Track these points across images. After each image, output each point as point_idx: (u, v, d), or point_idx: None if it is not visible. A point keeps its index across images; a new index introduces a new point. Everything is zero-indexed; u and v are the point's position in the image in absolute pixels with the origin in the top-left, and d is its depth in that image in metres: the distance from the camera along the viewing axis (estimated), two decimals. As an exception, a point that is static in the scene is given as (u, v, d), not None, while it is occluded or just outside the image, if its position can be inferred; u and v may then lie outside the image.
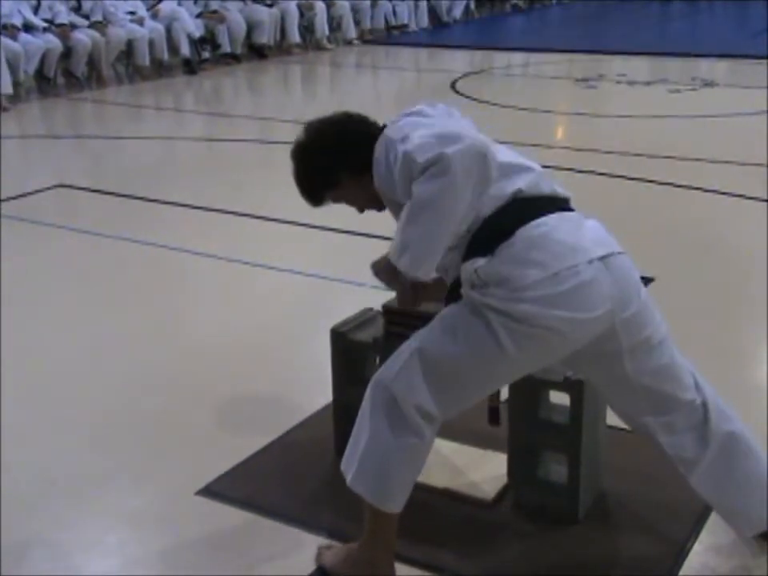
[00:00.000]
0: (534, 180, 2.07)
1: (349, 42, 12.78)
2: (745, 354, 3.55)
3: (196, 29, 10.69)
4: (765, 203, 5.17)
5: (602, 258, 2.01)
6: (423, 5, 14.37)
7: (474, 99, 8.69)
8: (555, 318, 1.96)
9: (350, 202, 2.29)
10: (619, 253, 2.08)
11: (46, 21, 9.44)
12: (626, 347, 2.08)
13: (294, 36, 11.98)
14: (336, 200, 2.29)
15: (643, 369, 2.12)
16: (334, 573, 2.24)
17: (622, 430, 2.65)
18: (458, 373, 2.06)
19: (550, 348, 2.04)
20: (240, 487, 2.64)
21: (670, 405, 2.16)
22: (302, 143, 2.27)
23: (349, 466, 2.15)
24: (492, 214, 2.01)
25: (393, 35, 13.65)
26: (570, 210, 2.12)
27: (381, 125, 2.24)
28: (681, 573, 2.27)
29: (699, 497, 2.27)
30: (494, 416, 2.42)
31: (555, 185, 2.14)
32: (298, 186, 2.29)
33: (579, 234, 2.03)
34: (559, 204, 2.10)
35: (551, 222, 2.02)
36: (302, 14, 12.12)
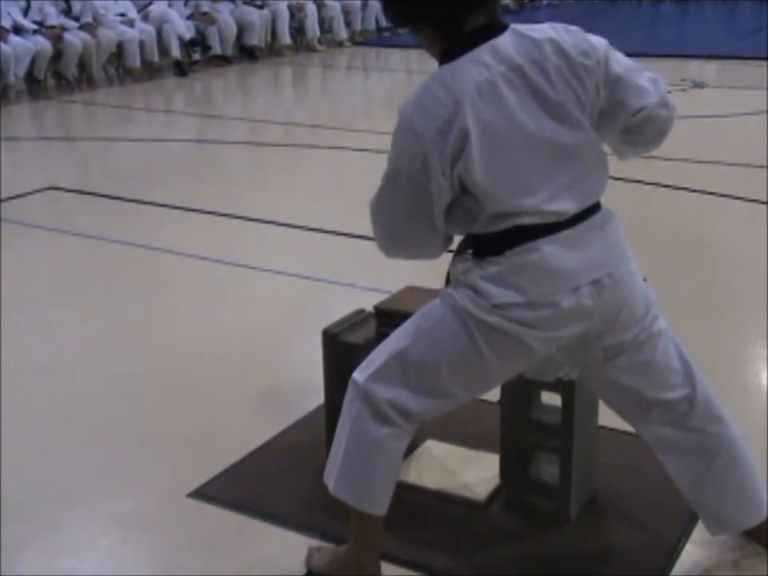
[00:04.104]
0: (550, 209, 1.93)
1: (339, 44, 12.79)
2: (738, 354, 3.56)
3: (186, 30, 10.69)
4: (753, 203, 5.19)
5: (593, 282, 1.95)
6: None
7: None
8: (526, 334, 1.96)
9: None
10: (616, 270, 1.99)
11: (35, 23, 9.43)
12: (599, 350, 2.07)
13: (285, 37, 11.98)
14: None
15: (617, 367, 2.09)
16: (322, 574, 2.24)
17: (614, 430, 2.66)
18: (436, 372, 2.04)
19: (525, 356, 2.04)
20: (232, 489, 2.64)
21: (646, 401, 2.14)
22: None
23: (330, 473, 2.16)
24: (489, 233, 1.96)
25: (384, 36, 13.65)
26: (589, 215, 1.98)
27: (499, 18, 1.95)
28: (673, 571, 2.27)
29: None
30: None
31: (592, 185, 1.99)
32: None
33: (573, 258, 1.94)
34: (569, 221, 1.96)
35: (544, 246, 1.93)
36: (292, 16, 12.12)
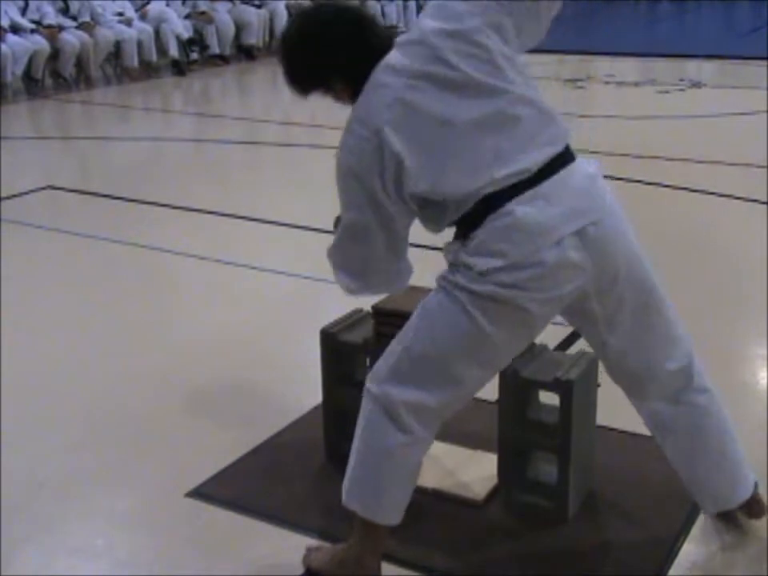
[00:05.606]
0: (507, 172, 1.94)
1: (337, 43, 12.78)
2: (738, 354, 3.56)
3: (184, 30, 10.67)
4: (753, 203, 5.19)
5: (577, 233, 1.95)
6: (412, 5, 14.37)
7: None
8: (520, 297, 1.95)
9: (341, 101, 2.13)
10: (600, 220, 1.98)
11: (33, 22, 9.40)
12: (601, 316, 2.08)
13: (283, 37, 11.96)
14: (326, 96, 2.15)
15: (620, 336, 2.12)
16: (321, 573, 2.24)
17: (612, 429, 2.66)
18: (442, 359, 2.04)
19: (525, 322, 2.02)
20: (230, 489, 2.64)
21: (647, 372, 2.17)
22: (292, 38, 2.09)
23: (346, 482, 2.16)
24: (466, 212, 1.98)
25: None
26: (559, 167, 1.97)
27: (388, 36, 2.05)
28: (671, 571, 2.27)
29: (681, 483, 2.33)
30: None
31: (548, 136, 1.98)
32: (286, 79, 2.12)
33: (550, 211, 1.93)
34: (543, 173, 1.95)
35: (517, 207, 1.93)
36: (290, 15, 12.11)
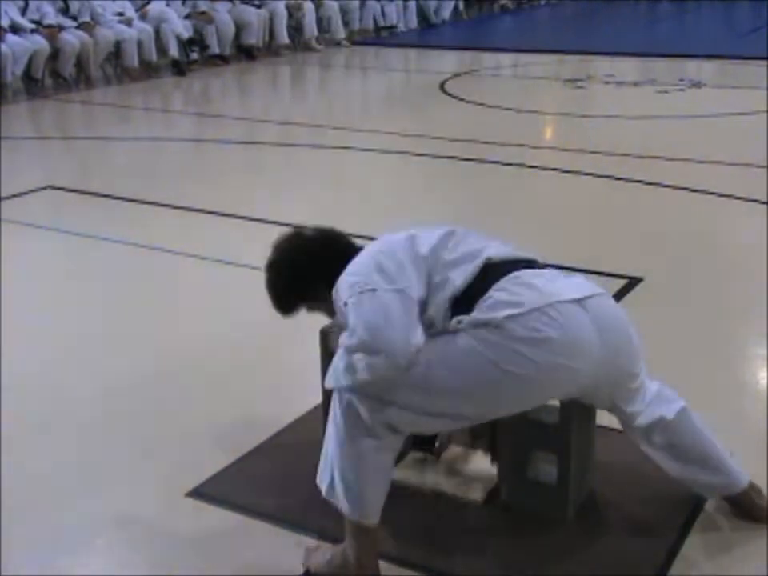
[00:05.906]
0: (501, 248, 2.18)
1: (337, 43, 12.78)
2: (738, 354, 3.56)
3: (184, 30, 10.67)
4: (752, 203, 5.19)
5: (578, 301, 2.09)
6: (412, 6, 14.38)
7: (463, 100, 8.70)
8: (531, 354, 2.03)
9: (328, 312, 2.35)
10: (599, 295, 2.16)
11: (33, 22, 9.40)
12: (607, 391, 2.27)
13: (283, 37, 11.96)
14: (311, 310, 2.39)
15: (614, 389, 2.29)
16: (320, 573, 2.24)
17: (612, 429, 2.66)
18: (436, 398, 2.09)
19: (531, 387, 2.10)
20: (230, 489, 2.64)
21: (631, 395, 2.30)
22: (274, 266, 2.35)
23: (323, 478, 2.19)
24: (466, 285, 2.08)
25: (381, 36, 13.66)
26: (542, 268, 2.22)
27: (355, 245, 2.31)
28: (671, 571, 2.27)
29: (681, 485, 2.39)
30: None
31: (524, 253, 2.24)
32: (274, 303, 2.36)
33: (552, 281, 2.13)
34: (530, 264, 2.19)
35: (523, 273, 2.12)
36: (290, 15, 12.10)
